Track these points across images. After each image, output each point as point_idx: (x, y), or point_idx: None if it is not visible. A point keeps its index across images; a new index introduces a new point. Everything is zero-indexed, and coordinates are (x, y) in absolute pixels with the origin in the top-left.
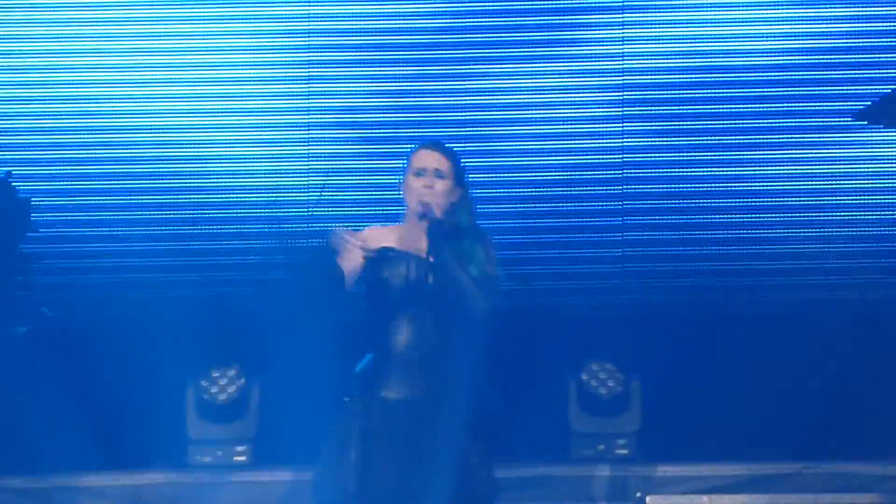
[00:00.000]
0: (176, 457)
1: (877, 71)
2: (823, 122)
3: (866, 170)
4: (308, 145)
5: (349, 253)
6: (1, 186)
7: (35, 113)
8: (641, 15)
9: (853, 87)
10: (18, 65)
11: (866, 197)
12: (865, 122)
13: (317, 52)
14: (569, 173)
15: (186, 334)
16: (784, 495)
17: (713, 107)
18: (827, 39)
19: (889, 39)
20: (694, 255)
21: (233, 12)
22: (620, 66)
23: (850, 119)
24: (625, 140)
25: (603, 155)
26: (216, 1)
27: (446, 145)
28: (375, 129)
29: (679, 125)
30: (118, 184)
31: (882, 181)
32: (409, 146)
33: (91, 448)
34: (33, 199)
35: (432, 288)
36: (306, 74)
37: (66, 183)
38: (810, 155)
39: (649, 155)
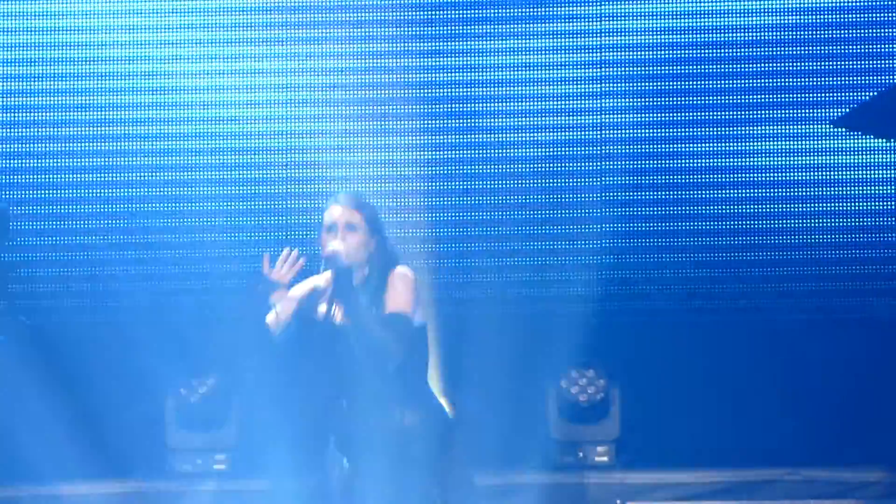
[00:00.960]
0: (156, 465)
1: (858, 78)
2: (806, 128)
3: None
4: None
5: (278, 293)
6: None
7: (11, 122)
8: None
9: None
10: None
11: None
12: (845, 129)
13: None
14: (551, 179)
15: (166, 342)
16: (764, 502)
17: (701, 114)
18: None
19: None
20: (677, 262)
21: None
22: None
23: (830, 126)
24: (605, 147)
25: (584, 162)
26: None
27: (359, 198)
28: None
29: (665, 132)
30: (97, 192)
31: (864, 188)
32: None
33: (71, 456)
34: (11, 207)
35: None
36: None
37: (43, 191)
38: (800, 162)
39: (632, 162)
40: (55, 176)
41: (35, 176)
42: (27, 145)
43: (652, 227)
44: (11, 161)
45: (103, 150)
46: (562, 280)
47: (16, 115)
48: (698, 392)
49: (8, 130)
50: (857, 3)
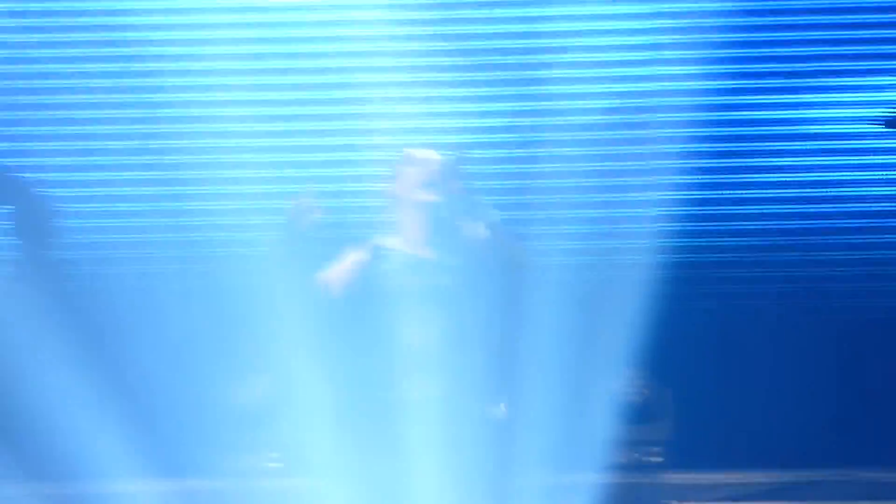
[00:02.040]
0: (209, 463)
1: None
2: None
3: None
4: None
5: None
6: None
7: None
8: None
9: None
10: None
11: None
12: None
13: None
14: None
15: (223, 338)
16: (816, 503)
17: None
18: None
19: None
20: (726, 261)
21: None
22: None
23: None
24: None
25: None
26: None
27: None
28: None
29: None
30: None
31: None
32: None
33: (120, 453)
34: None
35: (438, 285)
36: None
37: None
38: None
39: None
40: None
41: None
42: (90, 159)
43: (710, 227)
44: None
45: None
46: (623, 278)
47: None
48: (752, 393)
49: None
50: None
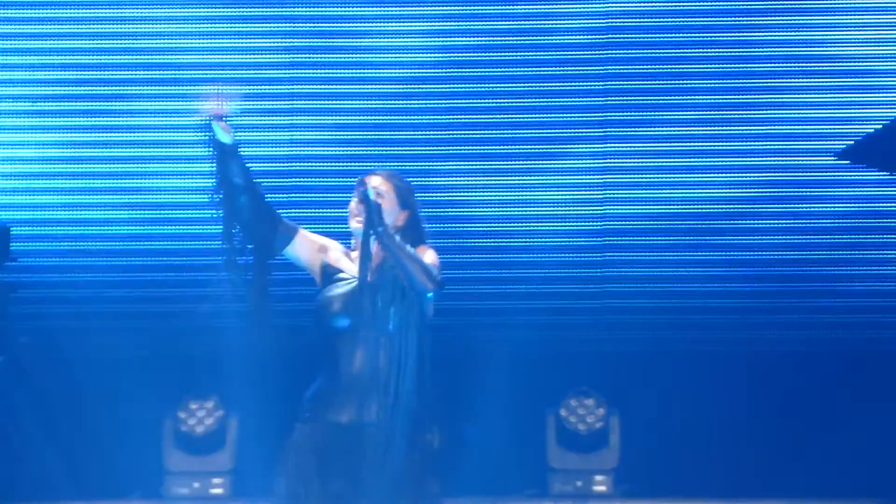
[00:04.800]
0: (153, 488)
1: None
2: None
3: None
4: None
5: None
6: None
7: (14, 142)
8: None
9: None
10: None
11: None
12: (849, 162)
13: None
14: (552, 208)
15: (165, 365)
16: None
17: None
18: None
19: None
20: (674, 291)
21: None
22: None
23: (834, 158)
24: (606, 176)
25: (585, 190)
26: None
27: (392, 172)
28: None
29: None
30: (98, 213)
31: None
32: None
33: (68, 478)
34: (11, 227)
35: (376, 309)
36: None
37: (44, 212)
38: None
39: (631, 192)
40: (58, 197)
41: (36, 196)
42: (29, 166)
43: (655, 257)
44: (11, 181)
45: (104, 171)
46: (562, 308)
47: (19, 136)
48: (697, 422)
49: (10, 151)
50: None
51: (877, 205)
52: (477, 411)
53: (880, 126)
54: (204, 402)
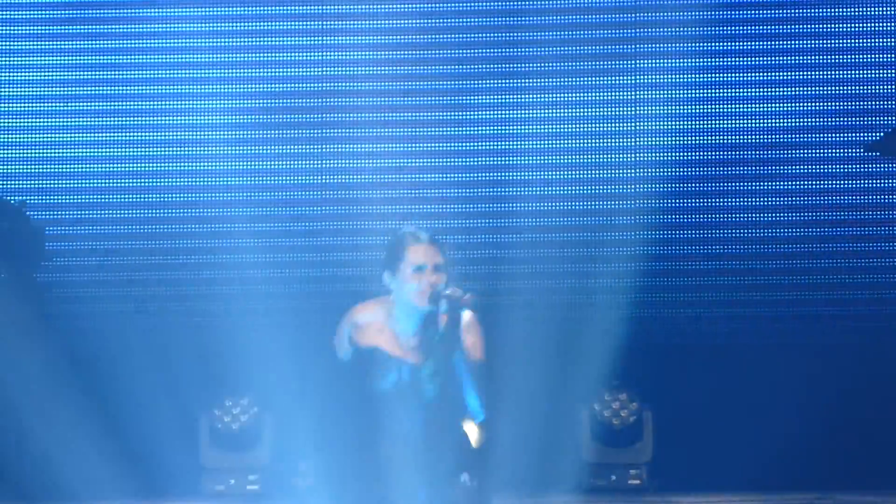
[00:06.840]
0: (189, 485)
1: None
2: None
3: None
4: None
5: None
6: (15, 216)
7: (51, 142)
8: None
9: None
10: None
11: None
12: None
13: None
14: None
15: (201, 363)
16: None
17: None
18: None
19: None
20: (709, 284)
21: None
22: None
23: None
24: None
25: (625, 185)
26: None
27: (439, 239)
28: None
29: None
30: (133, 212)
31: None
32: None
33: (103, 475)
34: (47, 228)
35: (426, 397)
36: None
37: (79, 212)
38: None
39: (666, 184)
40: (93, 196)
41: (71, 196)
42: (65, 166)
43: (692, 250)
44: (48, 181)
45: (133, 171)
46: (597, 303)
47: (56, 135)
48: (731, 415)
49: (47, 152)
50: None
51: None
52: (512, 407)
53: None
54: (239, 399)
